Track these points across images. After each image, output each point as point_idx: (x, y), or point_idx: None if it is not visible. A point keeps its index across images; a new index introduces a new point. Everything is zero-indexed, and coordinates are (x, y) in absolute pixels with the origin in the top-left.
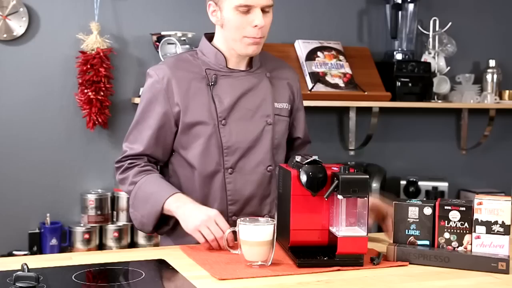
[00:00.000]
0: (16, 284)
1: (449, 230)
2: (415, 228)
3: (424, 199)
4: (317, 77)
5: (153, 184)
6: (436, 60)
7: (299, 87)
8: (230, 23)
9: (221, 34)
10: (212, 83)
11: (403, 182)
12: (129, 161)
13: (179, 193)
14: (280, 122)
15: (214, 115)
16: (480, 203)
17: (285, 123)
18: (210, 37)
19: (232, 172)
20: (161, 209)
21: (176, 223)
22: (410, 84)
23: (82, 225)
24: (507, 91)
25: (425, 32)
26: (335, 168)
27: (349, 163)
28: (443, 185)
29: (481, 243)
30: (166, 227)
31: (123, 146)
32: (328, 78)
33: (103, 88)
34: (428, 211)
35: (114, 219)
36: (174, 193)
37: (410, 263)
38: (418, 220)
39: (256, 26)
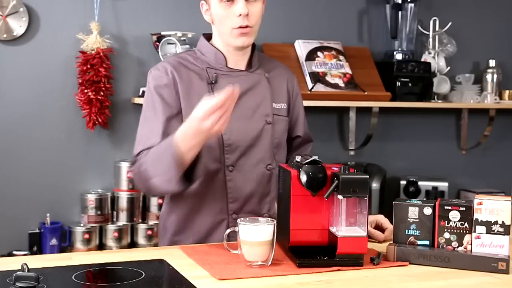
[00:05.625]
0: (16, 284)
1: (449, 230)
2: (415, 228)
3: (424, 199)
4: (317, 77)
5: (159, 145)
6: (436, 60)
7: (296, 86)
8: (218, 17)
9: (216, 31)
10: (213, 82)
11: (403, 182)
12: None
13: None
14: (279, 121)
15: None
16: (480, 203)
17: (284, 123)
18: (208, 37)
19: (233, 170)
20: (175, 150)
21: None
22: (410, 84)
23: (82, 225)
24: (507, 91)
25: (425, 32)
26: (335, 168)
27: (349, 163)
28: (443, 185)
29: (481, 243)
30: (194, 177)
31: (134, 149)
32: (328, 78)
33: (103, 88)
34: (428, 211)
35: (114, 219)
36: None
37: (410, 263)
38: (418, 220)
39: (240, 15)
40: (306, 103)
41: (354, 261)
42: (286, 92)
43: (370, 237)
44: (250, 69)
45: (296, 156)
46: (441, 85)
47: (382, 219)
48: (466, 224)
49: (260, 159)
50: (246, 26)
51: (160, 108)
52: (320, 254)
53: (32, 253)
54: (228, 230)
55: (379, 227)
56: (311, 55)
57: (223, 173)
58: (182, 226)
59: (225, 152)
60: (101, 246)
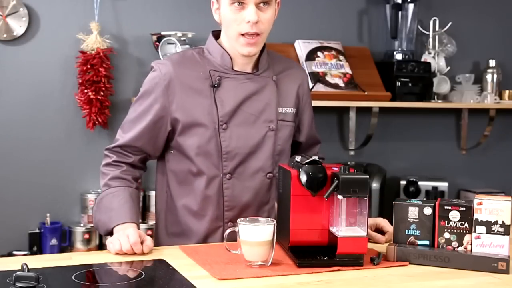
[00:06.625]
0: (16, 284)
1: (449, 230)
2: (415, 228)
3: (424, 199)
4: (317, 77)
5: (118, 201)
6: (436, 60)
7: (307, 88)
8: (226, 20)
9: (224, 32)
10: (216, 85)
11: (403, 182)
12: (115, 158)
13: (130, 223)
14: (284, 127)
15: (215, 119)
16: (480, 203)
17: (289, 128)
18: (217, 34)
19: (230, 178)
20: (111, 229)
21: None
22: (410, 84)
23: (82, 225)
24: (507, 91)
25: (425, 32)
26: (335, 168)
27: (349, 163)
28: (443, 185)
29: (481, 243)
30: None
31: (117, 133)
32: (328, 78)
33: (103, 88)
34: (428, 211)
35: None
36: (126, 222)
37: (410, 263)
38: (418, 220)
39: (249, 22)
40: None
41: (354, 261)
42: (296, 97)
43: (371, 240)
44: (256, 71)
45: (296, 156)
46: (441, 85)
47: (382, 222)
48: (466, 224)
49: (260, 167)
50: (255, 34)
51: (147, 109)
52: (320, 254)
53: (32, 253)
54: (228, 230)
55: (379, 230)
56: (311, 55)
57: (220, 180)
58: (177, 228)
59: (223, 159)
60: (101, 246)
